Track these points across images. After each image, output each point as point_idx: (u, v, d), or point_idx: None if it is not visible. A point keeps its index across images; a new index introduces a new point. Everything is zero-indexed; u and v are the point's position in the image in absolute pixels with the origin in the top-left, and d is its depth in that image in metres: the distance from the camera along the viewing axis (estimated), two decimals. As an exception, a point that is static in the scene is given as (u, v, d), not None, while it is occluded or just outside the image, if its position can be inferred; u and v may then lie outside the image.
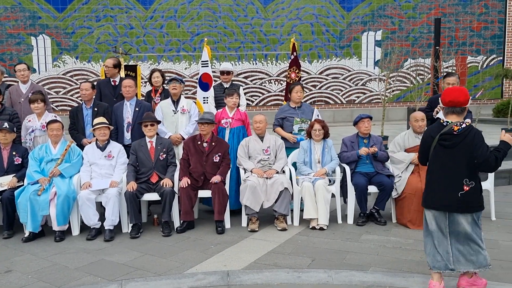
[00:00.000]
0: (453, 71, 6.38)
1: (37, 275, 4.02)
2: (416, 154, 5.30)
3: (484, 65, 13.02)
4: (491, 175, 5.41)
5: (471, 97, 5.71)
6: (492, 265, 4.03)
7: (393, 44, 12.34)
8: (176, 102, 5.82)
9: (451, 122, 3.50)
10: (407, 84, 12.80)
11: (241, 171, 5.48)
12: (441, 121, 3.56)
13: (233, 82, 6.60)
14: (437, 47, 8.29)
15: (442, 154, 3.50)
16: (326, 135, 5.56)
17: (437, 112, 5.61)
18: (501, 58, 13.02)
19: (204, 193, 5.30)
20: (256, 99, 12.46)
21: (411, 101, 11.92)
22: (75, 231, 5.15)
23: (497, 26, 12.94)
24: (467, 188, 3.42)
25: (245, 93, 12.32)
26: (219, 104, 6.23)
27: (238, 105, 5.90)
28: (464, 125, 3.47)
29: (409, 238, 4.81)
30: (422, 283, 3.71)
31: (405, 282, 3.73)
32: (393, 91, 12.28)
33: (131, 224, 5.09)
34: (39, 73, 11.62)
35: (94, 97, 5.81)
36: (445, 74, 6.04)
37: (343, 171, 5.46)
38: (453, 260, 3.47)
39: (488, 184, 5.44)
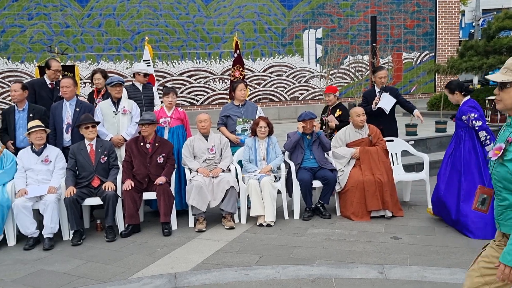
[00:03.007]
0: (382, 65, 6.66)
1: (-31, 291, 3.76)
2: (356, 148, 5.49)
3: (418, 61, 13.70)
4: (426, 166, 5.69)
5: (398, 91, 6.11)
6: (429, 252, 4.27)
7: (333, 41, 12.70)
8: (116, 103, 5.64)
9: None
10: (347, 80, 13.21)
11: (187, 171, 5.42)
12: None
13: (146, 84, 6.29)
14: (374, 44, 8.61)
15: None
16: (270, 132, 5.61)
17: (376, 104, 5.93)
18: (433, 54, 13.75)
19: (149, 195, 5.19)
20: (200, 98, 12.37)
21: (352, 97, 12.32)
22: (11, 241, 4.87)
23: (428, 24, 13.65)
24: None
25: (189, 93, 12.24)
26: None
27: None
28: None
29: (352, 230, 4.97)
30: (365, 272, 3.84)
31: (349, 272, 3.85)
32: (334, 87, 12.61)
33: (72, 231, 4.89)
34: (-34, 75, 10.88)
35: (27, 99, 5.50)
36: (373, 69, 6.34)
37: (288, 167, 5.54)
38: None
39: (423, 174, 5.72)
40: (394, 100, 6.00)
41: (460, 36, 17.86)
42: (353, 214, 5.29)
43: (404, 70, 13.51)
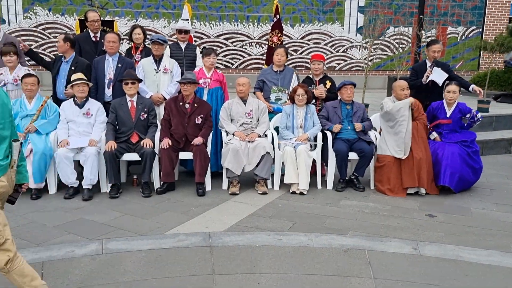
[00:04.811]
0: (436, 39, 6.45)
1: (14, 232, 3.89)
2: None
3: (463, 37, 13.12)
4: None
5: (450, 67, 5.95)
6: (465, 232, 4.20)
7: (376, 11, 12.25)
8: (158, 61, 5.63)
9: None
10: (387, 53, 12.81)
11: (223, 134, 5.44)
12: None
13: (189, 42, 6.27)
14: (421, 16, 8.25)
15: None
16: (309, 101, 5.53)
17: (427, 77, 5.82)
18: (480, 30, 13.13)
19: (185, 155, 5.25)
20: (236, 62, 12.26)
21: (391, 70, 11.98)
22: (52, 189, 5.05)
23: (478, -2, 12.97)
24: None
25: (224, 56, 12.15)
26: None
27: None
28: None
29: (386, 204, 4.92)
30: (399, 247, 3.81)
31: (383, 246, 3.83)
32: (373, 59, 12.28)
33: (110, 184, 5.01)
34: (8, 24, 11.06)
35: (74, 52, 5.58)
36: (428, 42, 6.24)
37: (325, 136, 5.48)
38: None
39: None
40: (446, 75, 5.90)
41: (511, 13, 16.94)
42: (389, 189, 5.22)
43: (447, 46, 12.98)
